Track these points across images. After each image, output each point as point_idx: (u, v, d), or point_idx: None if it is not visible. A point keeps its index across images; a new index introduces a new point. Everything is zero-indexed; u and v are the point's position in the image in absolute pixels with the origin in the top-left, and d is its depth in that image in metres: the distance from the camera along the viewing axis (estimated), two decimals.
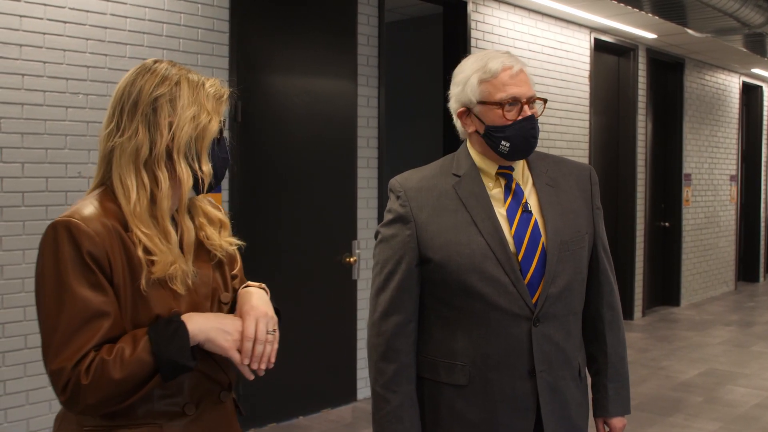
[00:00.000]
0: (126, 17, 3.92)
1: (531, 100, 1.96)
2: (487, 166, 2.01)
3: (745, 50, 8.03)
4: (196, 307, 1.57)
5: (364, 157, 5.20)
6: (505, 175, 2.01)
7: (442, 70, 6.17)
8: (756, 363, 6.55)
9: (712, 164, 9.83)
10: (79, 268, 1.43)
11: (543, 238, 1.95)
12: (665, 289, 9.17)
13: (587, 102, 7.37)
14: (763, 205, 11.29)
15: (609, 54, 7.92)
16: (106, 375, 1.40)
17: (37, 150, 3.66)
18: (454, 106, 2.05)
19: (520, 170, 2.05)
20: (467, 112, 2.01)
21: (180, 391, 1.55)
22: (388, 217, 2.02)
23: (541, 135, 6.57)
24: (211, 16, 4.28)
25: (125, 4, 3.92)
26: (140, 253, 1.49)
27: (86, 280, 1.43)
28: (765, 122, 11.26)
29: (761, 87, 11.05)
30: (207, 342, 1.50)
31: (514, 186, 2.00)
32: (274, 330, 1.58)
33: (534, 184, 2.03)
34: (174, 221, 1.59)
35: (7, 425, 3.59)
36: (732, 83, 10.27)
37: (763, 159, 11.26)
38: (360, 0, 5.11)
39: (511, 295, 1.90)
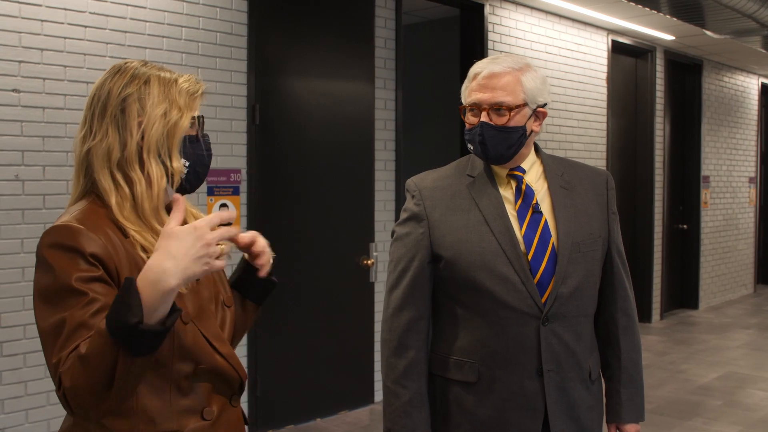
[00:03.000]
0: (146, 21, 3.95)
1: (494, 107, 1.94)
2: (497, 168, 2.04)
3: (763, 51, 7.98)
4: (202, 310, 1.55)
5: (382, 160, 5.21)
6: (515, 176, 2.04)
7: (459, 73, 6.18)
8: None
9: (730, 166, 9.76)
10: (83, 268, 1.38)
11: (553, 239, 1.97)
12: (683, 291, 9.12)
13: (605, 104, 7.35)
14: None
15: (626, 56, 7.89)
16: (75, 362, 1.30)
17: (58, 153, 3.70)
18: None
19: (536, 173, 2.07)
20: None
21: (196, 393, 1.52)
22: (403, 215, 2.07)
23: (558, 137, 6.65)
24: (229, 19, 4.30)
25: (145, 8, 3.95)
26: (140, 252, 1.46)
27: (92, 279, 1.38)
28: None
29: None
30: (186, 280, 1.32)
31: (524, 187, 2.02)
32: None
33: (549, 186, 2.05)
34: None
35: (28, 425, 3.63)
36: (751, 84, 10.20)
37: None
38: (377, 3, 5.12)
39: (520, 294, 1.92)
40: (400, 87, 5.31)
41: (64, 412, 3.74)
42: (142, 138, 1.50)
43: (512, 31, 6.24)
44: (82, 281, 1.37)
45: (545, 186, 2.05)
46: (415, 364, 1.99)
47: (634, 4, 5.87)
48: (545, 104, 2.02)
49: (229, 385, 1.58)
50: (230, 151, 4.33)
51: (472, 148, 2.01)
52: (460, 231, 1.97)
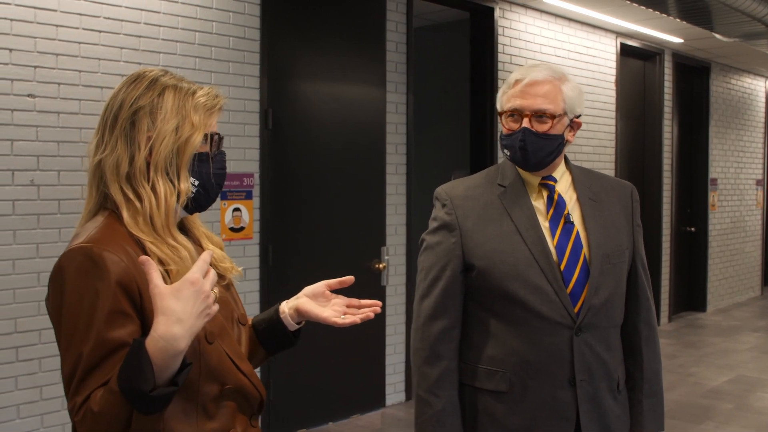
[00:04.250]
0: (159, 26, 3.96)
1: (535, 114, 1.96)
2: (529, 177, 2.05)
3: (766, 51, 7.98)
4: (222, 328, 1.51)
5: (393, 164, 5.21)
6: (547, 186, 2.05)
7: (469, 76, 6.18)
8: None
9: (738, 169, 9.76)
10: (104, 299, 1.32)
11: (585, 250, 1.99)
12: (691, 294, 9.11)
13: (613, 107, 7.34)
14: None
15: (635, 59, 7.88)
16: (89, 410, 1.28)
17: (73, 158, 3.70)
18: None
19: (566, 183, 2.08)
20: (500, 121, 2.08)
21: (222, 415, 1.48)
22: (433, 224, 2.06)
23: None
24: (242, 24, 4.31)
25: (158, 13, 3.96)
26: (157, 265, 1.37)
27: (112, 311, 1.32)
28: None
29: None
30: (192, 337, 1.29)
31: (556, 197, 2.03)
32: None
33: (578, 197, 2.06)
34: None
35: (43, 430, 3.63)
36: (758, 87, 10.19)
37: None
38: (389, 7, 5.13)
39: (554, 304, 1.93)
40: (411, 91, 5.31)
41: None
42: (150, 153, 1.44)
43: (522, 35, 6.24)
44: (103, 316, 1.32)
45: (574, 197, 2.06)
46: (448, 373, 1.99)
47: (643, 7, 5.87)
48: (580, 115, 2.03)
49: (250, 403, 1.55)
50: (243, 155, 4.34)
51: (509, 154, 2.01)
52: (493, 241, 1.98)
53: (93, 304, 1.32)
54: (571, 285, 1.95)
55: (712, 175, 9.11)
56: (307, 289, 1.69)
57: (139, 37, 3.89)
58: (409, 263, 5.36)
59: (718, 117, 9.24)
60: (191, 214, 1.56)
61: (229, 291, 1.63)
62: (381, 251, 5.10)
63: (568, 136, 2.02)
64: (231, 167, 4.27)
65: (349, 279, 1.64)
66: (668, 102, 8.19)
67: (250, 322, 1.70)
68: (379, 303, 1.67)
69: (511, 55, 6.14)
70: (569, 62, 6.74)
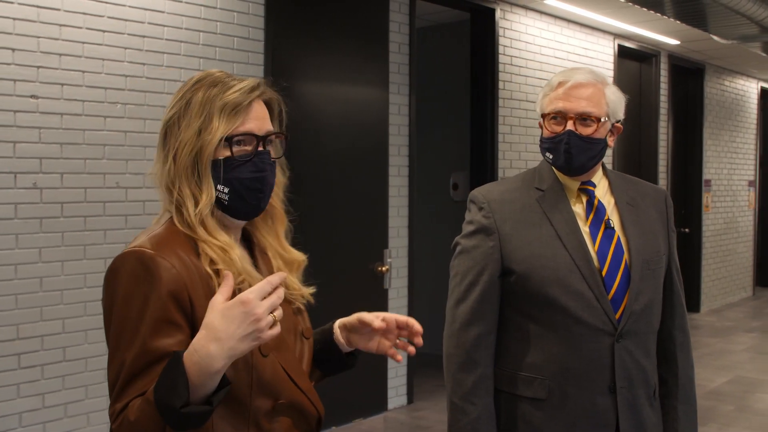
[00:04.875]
0: (164, 26, 3.89)
1: (580, 117, 1.93)
2: (568, 181, 2.02)
3: (764, 55, 8.00)
4: (281, 341, 1.44)
5: (395, 166, 5.17)
6: (587, 191, 2.02)
7: (470, 77, 6.15)
8: None
9: (731, 170, 9.79)
10: (153, 306, 1.29)
11: (626, 256, 1.96)
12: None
13: None
14: None
15: (631, 60, 7.88)
16: (126, 418, 1.26)
17: (76, 160, 3.63)
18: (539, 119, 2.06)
19: (603, 188, 2.05)
20: (540, 124, 2.03)
21: (277, 430, 1.42)
22: (469, 228, 2.02)
23: None
24: (246, 24, 4.25)
25: (162, 12, 3.89)
26: (206, 267, 1.35)
27: (159, 319, 1.29)
28: None
29: None
30: (232, 359, 1.24)
31: (596, 203, 2.01)
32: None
33: (616, 202, 2.04)
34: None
35: (66, 419, 3.57)
36: (750, 89, 10.23)
37: None
38: (391, 8, 5.08)
39: (595, 310, 1.90)
40: (413, 92, 5.27)
41: (82, 425, 3.64)
42: (175, 163, 1.40)
43: (522, 36, 6.21)
44: (150, 324, 1.29)
45: (612, 202, 2.04)
46: (484, 380, 1.95)
47: (642, 9, 5.85)
48: (620, 120, 2.00)
49: (307, 421, 1.48)
50: None
51: (551, 157, 1.97)
52: (532, 245, 1.94)
53: (141, 311, 1.29)
54: (612, 291, 1.92)
55: (705, 176, 9.13)
56: (350, 326, 1.59)
57: (143, 37, 3.82)
58: (411, 266, 5.32)
59: (712, 118, 9.26)
60: (243, 220, 1.48)
61: (300, 314, 1.57)
62: (383, 254, 5.06)
63: (609, 140, 2.00)
64: None
65: (383, 321, 1.54)
66: (664, 103, 8.20)
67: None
68: (418, 330, 1.53)
69: (511, 56, 6.11)
70: (568, 63, 6.72)
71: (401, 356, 1.54)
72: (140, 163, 3.81)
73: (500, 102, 6.03)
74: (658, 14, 6.12)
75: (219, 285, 1.31)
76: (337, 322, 1.63)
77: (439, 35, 6.73)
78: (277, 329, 1.26)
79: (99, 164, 3.69)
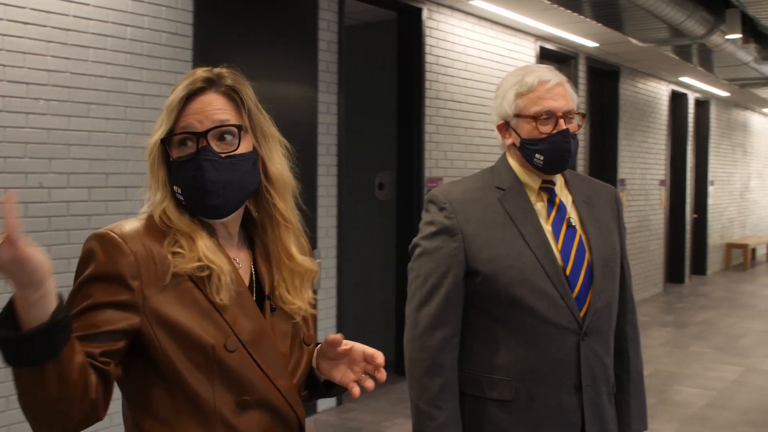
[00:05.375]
0: (89, 19, 3.74)
1: (568, 115, 1.96)
2: (529, 180, 2.01)
3: (675, 57, 8.28)
4: (262, 337, 1.39)
5: (324, 165, 5.12)
6: (548, 189, 2.02)
7: (396, 76, 6.15)
8: (697, 363, 6.75)
9: (644, 169, 10.10)
10: (103, 284, 1.30)
11: (587, 254, 1.97)
12: None
13: None
14: (688, 208, 11.68)
15: (552, 61, 8.02)
16: None
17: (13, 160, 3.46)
18: (494, 119, 2.05)
19: (560, 186, 2.06)
20: (506, 125, 2.02)
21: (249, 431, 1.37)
22: (429, 229, 1.98)
23: (490, 141, 6.70)
24: (175, 19, 4.13)
25: (88, 5, 3.74)
26: (167, 247, 1.35)
27: (108, 298, 1.30)
28: (690, 128, 11.65)
29: (687, 95, 11.43)
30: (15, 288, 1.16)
31: (557, 201, 2.01)
32: None
33: (573, 200, 2.04)
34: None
35: None
36: (662, 91, 10.59)
37: (689, 164, 11.65)
38: (321, 5, 5.03)
39: (561, 309, 1.90)
40: (342, 90, 5.23)
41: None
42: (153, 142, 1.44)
43: (448, 36, 6.25)
44: (102, 296, 1.31)
45: (570, 200, 2.04)
46: (450, 384, 1.93)
47: (560, 9, 5.97)
48: None
49: (286, 424, 1.42)
50: None
51: (543, 158, 1.94)
52: (497, 246, 1.92)
53: (90, 286, 1.35)
54: (576, 290, 1.93)
55: (620, 175, 9.40)
56: (319, 349, 1.52)
57: (67, 30, 3.66)
58: (339, 266, 5.28)
59: (626, 119, 9.54)
60: (211, 219, 1.44)
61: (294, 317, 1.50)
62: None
63: None
64: None
65: (339, 340, 1.45)
66: (582, 105, 8.39)
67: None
68: (379, 364, 1.46)
69: (437, 56, 6.14)
70: (492, 64, 6.80)
71: (359, 391, 1.47)
72: (65, 162, 3.65)
73: (427, 101, 6.05)
74: (579, 17, 6.26)
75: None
76: (317, 348, 1.56)
77: (366, 34, 6.71)
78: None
79: (21, 163, 3.52)
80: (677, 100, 11.37)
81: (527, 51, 7.33)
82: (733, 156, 13.92)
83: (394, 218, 6.30)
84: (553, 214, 1.99)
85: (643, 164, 10.10)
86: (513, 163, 2.03)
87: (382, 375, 1.46)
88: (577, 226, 1.99)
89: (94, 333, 1.28)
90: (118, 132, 3.86)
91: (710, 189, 12.55)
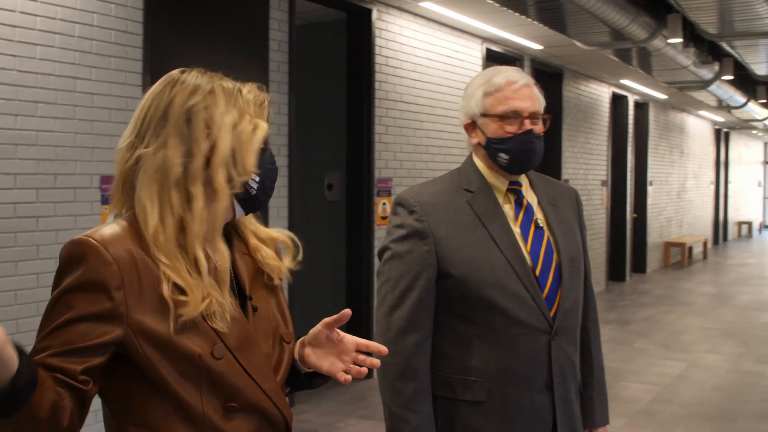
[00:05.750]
0: (36, 15, 3.64)
1: (534, 116, 1.97)
2: (497, 181, 2.03)
3: (617, 60, 8.45)
4: (248, 341, 1.39)
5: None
6: (515, 191, 2.03)
7: (346, 77, 6.14)
8: (641, 359, 6.90)
9: (586, 170, 10.29)
10: (84, 294, 1.26)
11: (555, 255, 1.99)
12: None
13: None
14: (628, 208, 11.94)
15: (497, 63, 8.11)
16: None
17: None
18: (461, 118, 2.06)
19: (526, 188, 2.07)
20: (472, 124, 2.03)
21: None
22: (399, 232, 1.97)
23: (438, 142, 6.76)
24: (124, 17, 4.05)
25: (35, 1, 3.64)
26: (166, 291, 1.30)
27: (90, 309, 1.26)
28: (630, 130, 11.92)
29: (627, 97, 11.69)
30: None
31: (525, 203, 2.02)
32: None
33: (539, 202, 2.06)
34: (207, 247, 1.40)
35: None
36: (603, 93, 10.80)
37: (629, 165, 11.91)
38: (272, 5, 5.00)
39: (531, 309, 1.92)
40: (293, 91, 5.20)
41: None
42: (212, 150, 1.36)
43: (397, 37, 6.27)
44: (83, 307, 1.26)
45: (536, 200, 2.06)
46: (423, 387, 1.93)
47: (507, 11, 6.04)
48: None
49: (273, 425, 1.42)
50: None
51: (507, 157, 1.95)
52: (468, 248, 1.93)
53: (71, 297, 1.30)
54: (546, 290, 1.95)
55: (564, 176, 9.55)
56: (309, 337, 1.52)
57: (14, 26, 3.56)
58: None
59: (570, 121, 9.70)
60: (247, 213, 1.46)
61: (277, 299, 1.51)
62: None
63: None
64: (112, 169, 3.99)
65: (347, 313, 1.48)
66: None
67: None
68: (385, 350, 1.49)
69: (387, 57, 6.15)
70: (440, 65, 6.84)
71: (350, 378, 1.47)
72: (12, 163, 3.55)
73: (376, 102, 6.06)
74: (525, 20, 6.34)
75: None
76: (299, 341, 1.56)
77: (316, 34, 6.69)
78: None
79: None
80: (618, 102, 11.62)
81: (474, 53, 7.40)
82: (670, 157, 14.29)
83: (343, 219, 6.29)
84: (521, 215, 2.00)
85: (586, 165, 10.28)
86: (479, 163, 2.05)
87: (377, 362, 1.50)
88: (544, 227, 2.02)
89: (76, 348, 1.25)
90: (66, 132, 3.77)
91: (649, 189, 12.86)
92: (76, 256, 1.29)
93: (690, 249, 14.72)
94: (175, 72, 1.44)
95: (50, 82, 3.70)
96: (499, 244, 1.93)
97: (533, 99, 1.97)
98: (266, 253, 1.50)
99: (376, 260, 6.72)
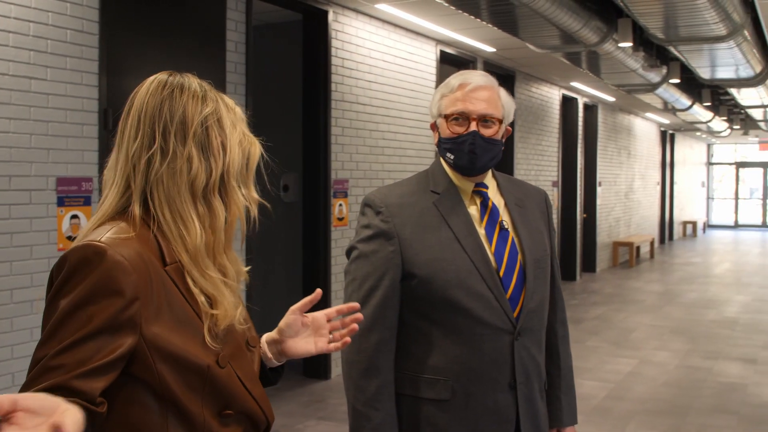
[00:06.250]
0: None
1: (483, 118, 1.98)
2: (463, 183, 2.05)
3: (567, 63, 8.59)
4: (238, 349, 1.41)
5: None
6: (480, 193, 2.05)
7: (302, 78, 6.14)
8: (594, 357, 7.02)
9: (538, 171, 10.43)
10: (102, 304, 1.20)
11: (520, 256, 2.01)
12: None
13: None
14: (579, 208, 12.14)
15: (451, 66, 8.18)
16: None
17: None
18: (430, 119, 2.07)
19: (493, 190, 2.10)
20: (435, 124, 2.07)
21: None
22: (366, 232, 1.99)
23: (393, 144, 6.80)
24: (80, 16, 3.99)
25: None
26: (202, 300, 1.31)
27: (110, 321, 1.21)
28: (580, 132, 12.11)
29: (576, 99, 11.88)
30: None
31: (490, 204, 2.04)
32: None
33: (506, 203, 2.08)
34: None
35: None
36: (554, 95, 10.96)
37: (579, 166, 12.10)
38: (229, 6, 4.97)
39: (495, 310, 1.94)
40: (250, 92, 5.18)
41: None
42: (226, 163, 1.38)
43: (353, 39, 6.29)
44: (90, 326, 1.19)
45: (502, 203, 2.08)
46: (386, 385, 1.95)
47: (461, 14, 6.10)
48: (509, 123, 2.07)
49: (256, 427, 1.44)
50: (81, 158, 4.02)
51: (453, 158, 1.99)
52: (433, 249, 1.95)
53: (88, 308, 1.25)
54: (509, 291, 1.97)
55: (517, 176, 9.66)
56: (284, 328, 1.55)
57: None
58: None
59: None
60: (248, 233, 1.48)
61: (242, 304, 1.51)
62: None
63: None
64: (68, 171, 3.95)
65: (319, 293, 1.55)
66: None
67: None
68: (356, 305, 1.58)
69: (343, 58, 6.17)
70: (395, 67, 6.88)
71: (339, 345, 1.55)
72: None
73: (333, 104, 6.07)
74: (478, 23, 6.40)
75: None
76: (264, 337, 1.59)
77: (272, 35, 6.66)
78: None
79: None
80: (567, 104, 11.81)
81: (428, 55, 7.46)
82: (618, 158, 14.56)
83: (300, 220, 6.28)
84: (486, 217, 2.02)
85: (538, 166, 10.43)
86: (445, 165, 2.07)
87: (355, 326, 1.56)
88: (510, 229, 2.04)
89: (96, 367, 1.19)
90: (21, 133, 3.70)
91: (598, 190, 13.09)
92: (87, 261, 1.23)
93: (638, 248, 15.01)
94: (170, 75, 1.42)
95: (4, 82, 3.63)
96: (463, 245, 1.95)
97: (487, 102, 1.98)
98: (234, 257, 1.47)
99: (333, 261, 6.72)
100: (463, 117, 1.97)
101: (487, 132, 1.98)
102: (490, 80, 2.01)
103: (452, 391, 1.94)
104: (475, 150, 1.96)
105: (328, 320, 1.56)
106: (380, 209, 1.99)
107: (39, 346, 1.21)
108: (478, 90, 1.97)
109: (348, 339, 1.55)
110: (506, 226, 2.03)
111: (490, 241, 2.00)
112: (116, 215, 1.35)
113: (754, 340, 7.73)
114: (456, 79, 2.02)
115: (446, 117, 1.99)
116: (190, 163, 1.34)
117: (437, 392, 1.95)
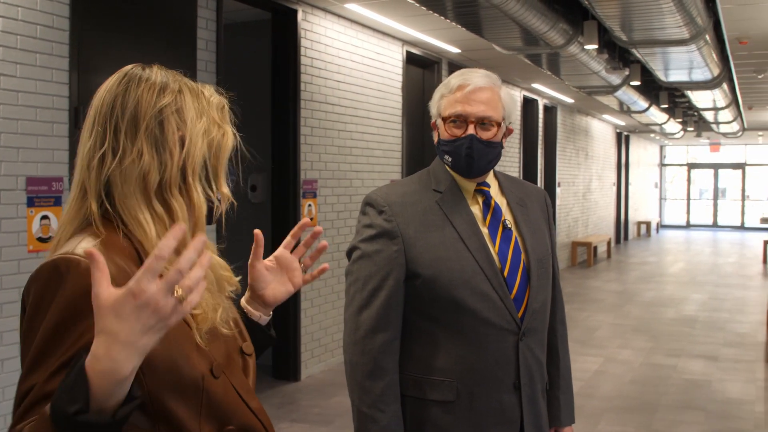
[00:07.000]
0: None
1: (482, 121, 1.95)
2: (465, 183, 2.03)
3: (530, 64, 8.67)
4: (230, 358, 1.33)
5: None
6: (483, 192, 2.04)
7: (271, 77, 6.08)
8: None
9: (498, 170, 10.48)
10: (89, 318, 1.07)
11: (523, 255, 2.00)
12: None
13: (400, 112, 7.59)
14: None
15: (416, 66, 8.21)
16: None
17: None
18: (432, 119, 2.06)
19: (495, 189, 2.08)
20: (435, 124, 2.04)
21: None
22: (368, 232, 1.96)
23: (361, 144, 6.79)
24: (50, 12, 3.90)
25: None
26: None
27: (88, 330, 1.09)
28: (540, 132, 12.23)
29: (537, 100, 11.99)
30: (142, 356, 1.03)
31: (493, 203, 2.03)
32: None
33: (508, 203, 2.07)
34: None
35: None
36: (515, 96, 11.05)
37: (539, 167, 12.22)
38: (199, 3, 4.91)
39: (500, 310, 1.93)
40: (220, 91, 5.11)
41: None
42: (186, 158, 1.27)
43: (322, 38, 6.25)
44: (81, 342, 1.10)
45: (504, 202, 2.07)
46: (392, 387, 1.92)
47: (427, 13, 6.11)
48: (510, 123, 2.05)
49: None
50: (51, 157, 3.92)
51: (451, 160, 1.97)
52: (437, 248, 1.93)
53: (68, 320, 1.16)
54: (514, 291, 1.96)
55: None
56: (254, 284, 1.50)
57: None
58: None
59: None
60: (210, 224, 1.36)
61: (232, 310, 1.43)
62: None
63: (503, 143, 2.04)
64: (39, 170, 3.85)
65: (259, 235, 1.50)
66: None
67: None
68: (320, 229, 1.51)
69: (312, 58, 6.13)
70: (363, 68, 6.86)
71: (315, 274, 1.54)
72: None
73: (302, 104, 6.03)
74: (446, 23, 6.42)
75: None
76: (243, 300, 1.54)
77: (242, 34, 6.59)
78: (186, 306, 1.01)
79: None
80: (528, 105, 11.91)
81: (395, 55, 7.46)
82: (576, 159, 14.74)
83: (269, 221, 6.22)
84: (489, 216, 2.01)
85: (499, 167, 10.42)
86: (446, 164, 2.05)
87: (324, 243, 1.55)
88: (513, 228, 2.02)
89: None
90: None
91: (558, 190, 13.23)
92: (60, 276, 1.14)
93: (595, 248, 15.21)
94: (132, 68, 1.33)
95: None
96: (468, 245, 1.94)
97: (487, 104, 1.95)
98: (217, 263, 1.40)
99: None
100: (461, 119, 1.94)
101: (485, 135, 1.95)
102: (491, 80, 1.98)
103: (457, 392, 1.93)
104: (472, 154, 1.94)
105: (291, 252, 1.53)
106: (383, 208, 1.96)
107: (26, 373, 1.13)
108: (477, 91, 1.94)
109: (326, 265, 1.53)
110: (509, 226, 2.02)
111: (493, 241, 1.98)
112: (83, 222, 1.26)
113: (714, 338, 7.88)
114: (456, 78, 1.99)
115: (444, 119, 1.97)
116: (140, 161, 1.24)
117: (442, 393, 1.93)
